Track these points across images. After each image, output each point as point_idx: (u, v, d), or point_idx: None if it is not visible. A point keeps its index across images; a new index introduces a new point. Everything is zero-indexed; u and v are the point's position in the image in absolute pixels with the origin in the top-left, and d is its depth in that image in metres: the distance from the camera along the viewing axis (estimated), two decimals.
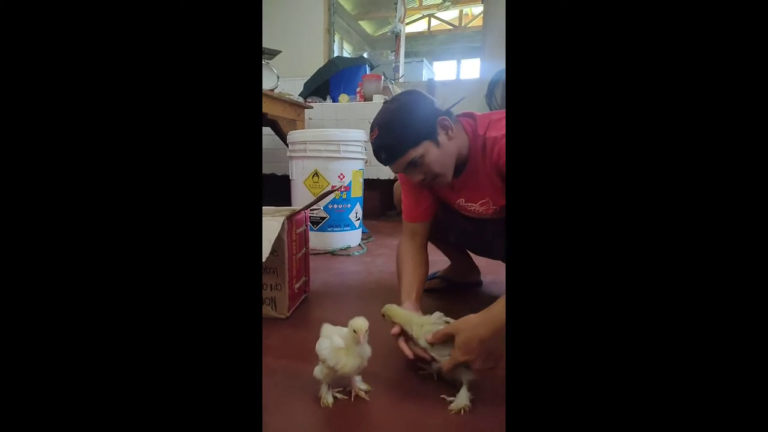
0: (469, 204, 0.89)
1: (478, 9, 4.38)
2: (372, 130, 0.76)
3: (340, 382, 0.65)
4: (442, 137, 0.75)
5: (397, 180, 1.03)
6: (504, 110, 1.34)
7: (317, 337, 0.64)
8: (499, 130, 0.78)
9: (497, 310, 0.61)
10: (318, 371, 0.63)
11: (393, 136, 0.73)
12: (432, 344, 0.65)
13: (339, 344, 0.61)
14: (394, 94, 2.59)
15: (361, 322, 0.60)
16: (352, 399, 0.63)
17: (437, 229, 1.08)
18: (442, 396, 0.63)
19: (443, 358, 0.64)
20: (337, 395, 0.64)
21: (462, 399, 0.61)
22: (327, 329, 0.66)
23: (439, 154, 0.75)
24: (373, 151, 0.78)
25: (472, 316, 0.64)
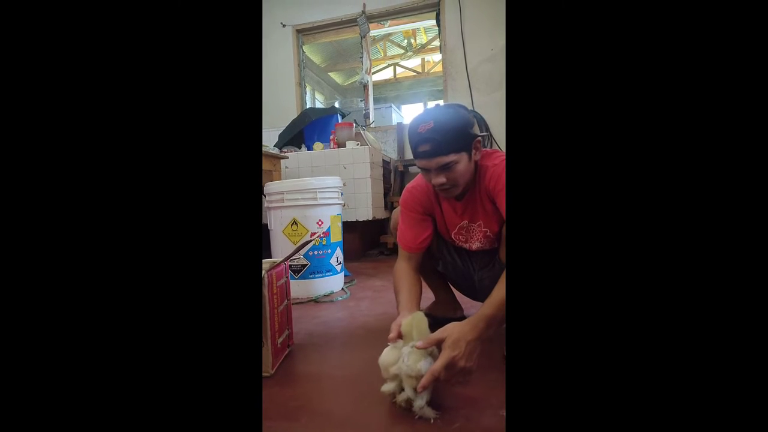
0: (472, 224, 0.97)
1: (438, 57, 4.74)
2: (426, 121, 0.82)
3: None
4: (473, 155, 0.87)
5: (391, 215, 1.09)
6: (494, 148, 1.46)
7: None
8: (492, 160, 0.90)
9: (478, 321, 0.73)
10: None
11: (446, 135, 0.81)
12: (420, 348, 0.71)
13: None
14: (366, 139, 2.69)
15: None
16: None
17: (427, 258, 1.12)
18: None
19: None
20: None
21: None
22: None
23: (467, 167, 0.86)
24: (418, 140, 0.82)
25: (457, 323, 0.73)
